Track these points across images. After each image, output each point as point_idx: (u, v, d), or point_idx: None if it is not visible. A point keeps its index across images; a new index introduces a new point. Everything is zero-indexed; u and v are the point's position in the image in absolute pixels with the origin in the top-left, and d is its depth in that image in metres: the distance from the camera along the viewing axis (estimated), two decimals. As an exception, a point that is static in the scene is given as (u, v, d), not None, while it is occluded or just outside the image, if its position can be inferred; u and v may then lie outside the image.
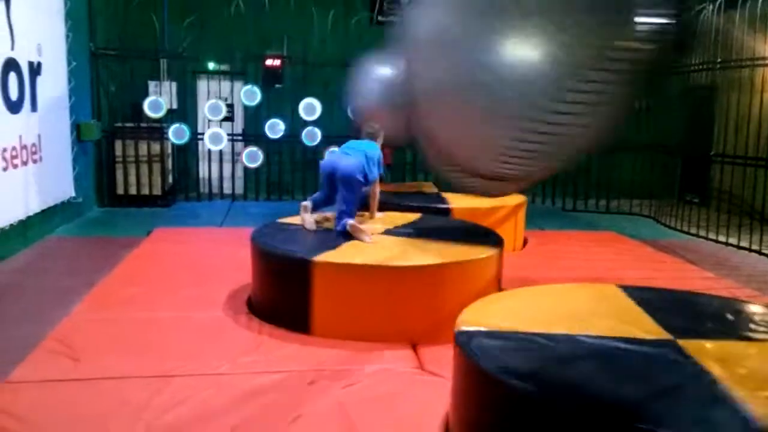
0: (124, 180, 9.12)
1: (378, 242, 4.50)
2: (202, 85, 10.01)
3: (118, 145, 9.06)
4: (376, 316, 3.97)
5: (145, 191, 9.17)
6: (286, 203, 9.42)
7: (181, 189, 9.86)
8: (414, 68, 3.11)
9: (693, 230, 8.13)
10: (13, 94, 6.15)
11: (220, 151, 9.80)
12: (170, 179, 9.63)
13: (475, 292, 3.95)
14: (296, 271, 4.07)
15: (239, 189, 10.06)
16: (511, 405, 2.26)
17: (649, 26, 2.81)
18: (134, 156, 9.10)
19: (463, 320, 2.87)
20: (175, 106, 9.44)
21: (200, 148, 9.86)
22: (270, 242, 4.39)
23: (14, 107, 6.19)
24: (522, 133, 2.95)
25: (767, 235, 7.21)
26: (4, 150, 5.92)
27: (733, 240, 7.46)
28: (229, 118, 9.90)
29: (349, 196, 4.73)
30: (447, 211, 6.20)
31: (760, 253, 7.05)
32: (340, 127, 9.25)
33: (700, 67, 8.57)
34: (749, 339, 2.75)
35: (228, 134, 9.68)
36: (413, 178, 10.09)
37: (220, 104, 9.46)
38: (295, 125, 9.74)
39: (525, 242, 6.96)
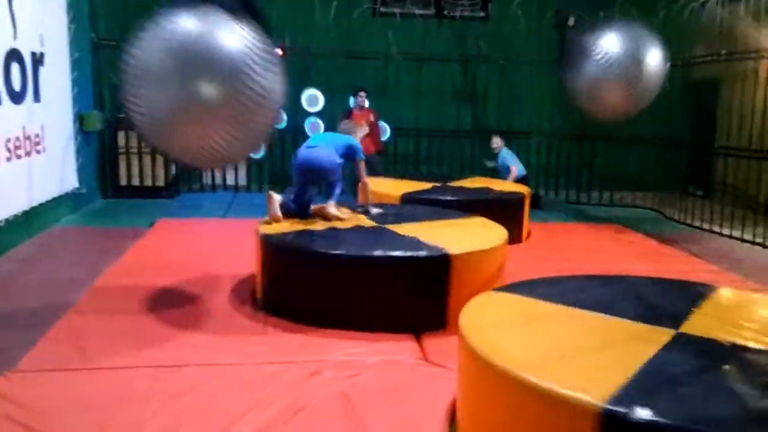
0: (127, 171, 9.11)
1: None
2: (205, 76, 9.96)
3: (121, 136, 9.03)
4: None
5: (149, 182, 9.16)
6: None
7: (184, 180, 9.86)
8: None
9: (697, 223, 8.12)
10: (16, 85, 6.14)
11: (223, 143, 9.77)
12: (173, 170, 9.62)
13: (479, 283, 3.96)
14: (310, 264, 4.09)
15: (242, 180, 10.05)
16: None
17: None
18: (137, 147, 9.08)
19: (468, 311, 2.87)
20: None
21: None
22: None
23: (17, 98, 6.18)
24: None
25: (771, 228, 7.20)
26: (8, 140, 5.92)
27: (737, 233, 7.45)
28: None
29: (331, 183, 4.92)
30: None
31: (763, 246, 7.04)
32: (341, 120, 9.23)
33: (704, 60, 8.53)
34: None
35: (231, 125, 9.65)
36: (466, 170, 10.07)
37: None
38: (299, 116, 9.72)
39: (529, 234, 6.96)
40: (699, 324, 2.80)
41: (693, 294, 3.24)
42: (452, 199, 6.36)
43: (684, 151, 9.40)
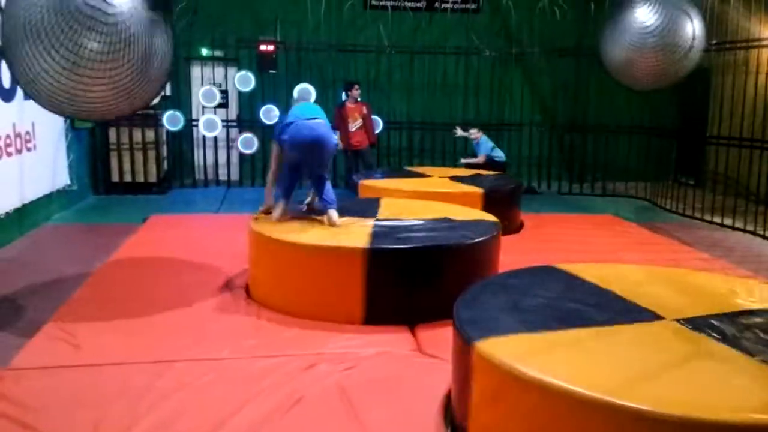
0: (118, 167, 9.08)
1: (373, 226, 4.50)
2: (196, 71, 9.94)
3: (113, 132, 9.01)
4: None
5: (140, 178, 9.13)
6: (281, 189, 9.40)
7: (176, 176, 9.83)
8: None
9: (688, 212, 8.16)
10: (6, 82, 6.11)
11: (215, 138, 9.77)
12: (165, 166, 9.60)
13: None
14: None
15: (235, 175, 10.04)
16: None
17: None
18: (129, 143, 9.05)
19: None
20: (169, 93, 9.38)
21: (195, 134, 9.82)
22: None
23: (7, 95, 6.15)
24: None
25: (761, 216, 7.25)
26: (-2, 138, 5.89)
27: (728, 221, 7.49)
28: (223, 105, 9.86)
29: (324, 167, 4.62)
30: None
31: (754, 234, 7.09)
32: (333, 113, 9.22)
33: (695, 49, 8.54)
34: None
35: (222, 120, 9.64)
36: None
37: (214, 90, 9.41)
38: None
39: (521, 225, 6.98)
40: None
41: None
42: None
43: (675, 140, 9.46)
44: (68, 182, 7.79)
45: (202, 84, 9.59)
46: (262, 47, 9.52)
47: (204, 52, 9.91)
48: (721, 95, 8.04)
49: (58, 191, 7.51)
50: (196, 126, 9.59)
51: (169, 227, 6.60)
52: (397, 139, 10.26)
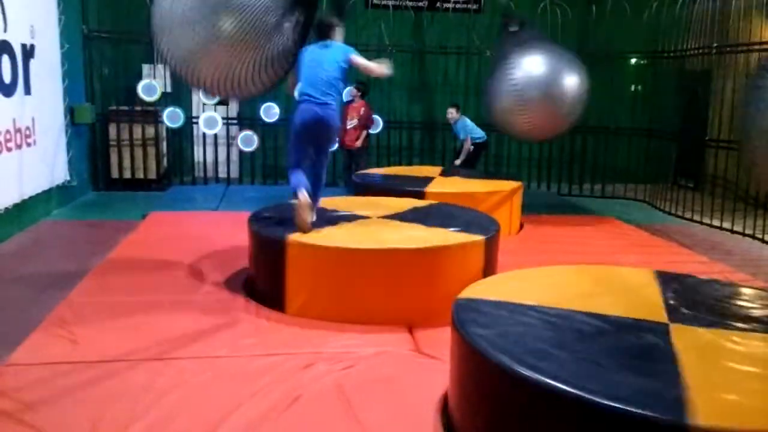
0: (118, 163, 9.08)
1: (374, 225, 4.51)
2: (197, 68, 9.91)
3: (113, 128, 9.01)
4: (373, 300, 3.99)
5: (140, 175, 9.13)
6: (281, 187, 9.39)
7: (176, 173, 9.83)
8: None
9: (687, 215, 8.17)
10: (7, 77, 6.10)
11: (215, 135, 9.76)
12: (165, 163, 9.60)
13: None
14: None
15: (234, 173, 10.03)
16: (507, 386, 2.28)
17: None
18: (129, 139, 9.05)
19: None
20: (169, 90, 9.37)
21: (195, 131, 9.82)
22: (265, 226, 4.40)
23: (7, 90, 6.14)
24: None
25: (761, 219, 7.25)
26: (-2, 133, 5.89)
27: (726, 224, 7.50)
28: (223, 102, 9.85)
29: (326, 156, 4.64)
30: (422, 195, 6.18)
31: (753, 237, 7.10)
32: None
33: (696, 52, 8.56)
34: (747, 330, 2.74)
35: (223, 118, 9.63)
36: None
37: (215, 88, 9.39)
38: (291, 109, 9.68)
39: (521, 226, 6.99)
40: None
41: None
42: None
43: (675, 143, 9.45)
44: (68, 178, 7.79)
45: (202, 81, 9.56)
46: (263, 45, 9.49)
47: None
48: (721, 98, 8.04)
49: (58, 187, 7.51)
50: (197, 123, 9.58)
51: (169, 224, 6.60)
52: (397, 139, 10.26)
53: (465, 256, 4.18)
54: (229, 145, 9.87)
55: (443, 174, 7.48)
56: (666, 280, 3.36)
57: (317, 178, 4.67)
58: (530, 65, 6.41)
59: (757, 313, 2.91)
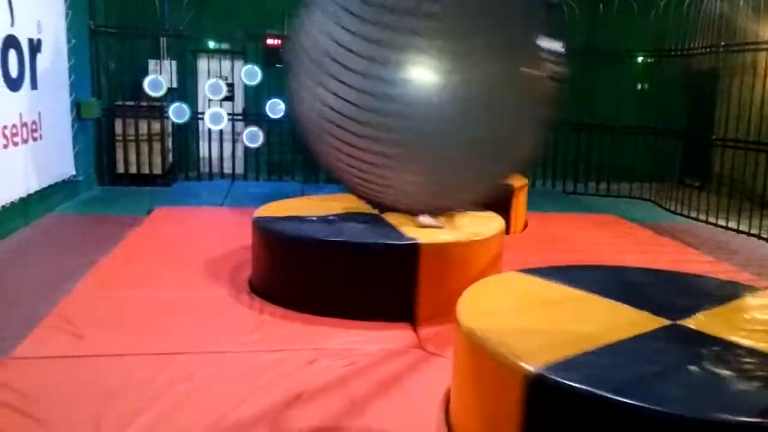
0: (124, 159, 9.10)
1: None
2: (203, 64, 9.94)
3: (118, 123, 9.03)
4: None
5: (146, 170, 9.15)
6: (286, 184, 9.42)
7: (181, 168, 9.84)
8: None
9: (693, 214, 8.14)
10: (13, 72, 6.12)
11: (221, 131, 9.76)
12: (170, 158, 9.61)
13: (476, 272, 3.98)
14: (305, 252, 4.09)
15: (239, 169, 10.03)
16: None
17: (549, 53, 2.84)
18: (134, 135, 9.06)
19: (465, 300, 2.88)
20: (175, 85, 9.38)
21: (200, 127, 9.82)
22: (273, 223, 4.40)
23: (14, 85, 6.16)
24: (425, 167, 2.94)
25: (767, 219, 7.22)
26: (5, 127, 5.90)
27: (732, 224, 7.47)
28: (229, 98, 9.86)
29: None
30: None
31: (759, 237, 7.06)
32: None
33: (703, 50, 8.52)
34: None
35: (228, 114, 9.64)
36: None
37: (221, 83, 9.41)
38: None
39: (526, 225, 6.97)
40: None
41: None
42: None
43: (681, 141, 9.42)
44: (74, 173, 7.81)
45: (208, 77, 9.59)
46: (270, 41, 9.50)
47: (211, 44, 9.91)
48: (728, 97, 8.01)
49: (64, 181, 7.53)
50: (202, 119, 9.59)
51: (174, 220, 6.62)
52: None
53: (471, 253, 4.18)
54: (234, 141, 9.88)
55: None
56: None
57: None
58: None
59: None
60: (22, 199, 6.25)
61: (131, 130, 9.05)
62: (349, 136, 2.94)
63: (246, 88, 9.89)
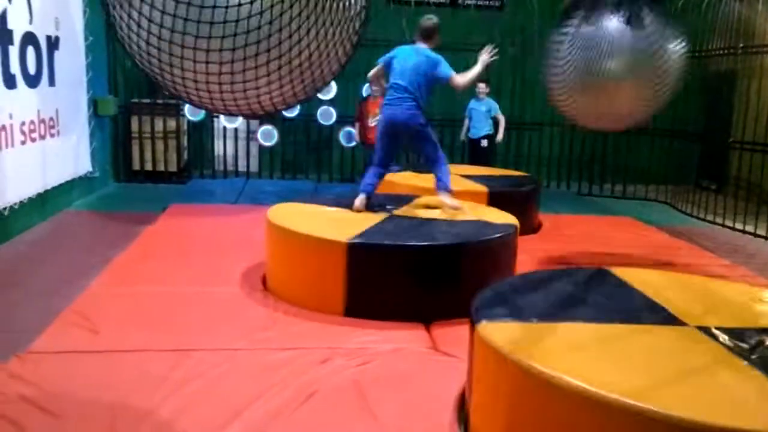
0: (140, 156, 9.17)
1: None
2: (218, 62, 9.97)
3: (135, 120, 9.10)
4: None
5: (161, 167, 9.22)
6: (300, 182, 9.44)
7: (196, 166, 9.90)
8: None
9: (709, 217, 8.07)
10: (32, 68, 6.17)
11: (236, 129, 9.81)
12: (185, 156, 9.67)
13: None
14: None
15: (254, 167, 10.08)
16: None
17: None
18: (150, 132, 9.13)
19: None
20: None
21: (216, 125, 9.87)
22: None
23: (32, 81, 6.22)
24: None
25: (785, 223, 7.16)
26: (23, 124, 5.96)
27: (750, 228, 7.40)
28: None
29: (428, 149, 4.86)
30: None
31: (776, 241, 7.00)
32: (355, 107, 9.25)
33: (721, 53, 8.45)
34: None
35: (243, 112, 9.67)
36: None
37: (236, 82, 9.43)
38: (311, 104, 9.70)
39: (540, 226, 6.95)
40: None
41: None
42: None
43: (698, 144, 9.34)
44: (90, 169, 7.88)
45: (224, 75, 9.62)
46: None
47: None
48: (746, 99, 7.93)
49: (80, 178, 7.59)
50: (217, 117, 9.63)
51: (189, 217, 6.65)
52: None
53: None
54: (249, 140, 9.92)
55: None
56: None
57: (429, 161, 5.00)
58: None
59: None
60: (39, 195, 6.32)
61: (147, 128, 9.11)
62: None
63: (261, 86, 9.91)
